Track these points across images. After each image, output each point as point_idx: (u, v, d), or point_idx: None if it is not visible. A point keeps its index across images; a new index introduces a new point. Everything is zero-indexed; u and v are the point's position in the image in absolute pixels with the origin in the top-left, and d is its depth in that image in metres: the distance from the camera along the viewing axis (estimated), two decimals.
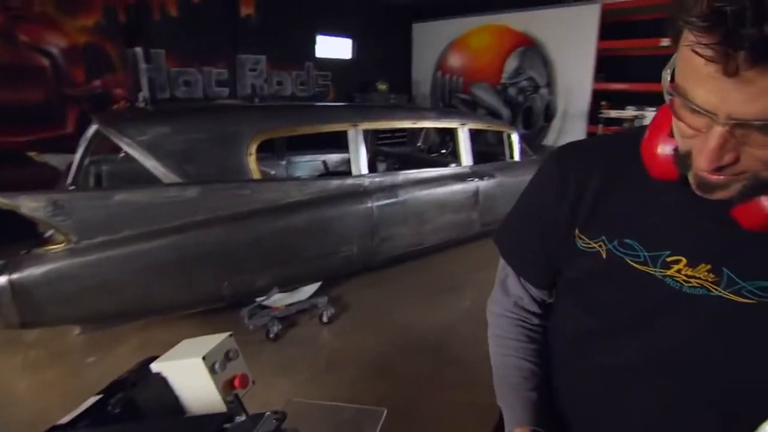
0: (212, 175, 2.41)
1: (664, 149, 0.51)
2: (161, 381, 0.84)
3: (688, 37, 0.40)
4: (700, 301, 0.54)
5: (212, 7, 5.22)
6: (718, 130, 0.41)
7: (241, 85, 5.60)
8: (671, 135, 0.50)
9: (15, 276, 1.93)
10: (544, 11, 5.61)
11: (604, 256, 0.61)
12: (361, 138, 3.07)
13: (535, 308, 0.76)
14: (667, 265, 0.56)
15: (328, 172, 4.38)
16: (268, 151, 3.90)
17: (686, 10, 0.40)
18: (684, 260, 0.54)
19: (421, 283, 3.48)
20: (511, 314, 0.77)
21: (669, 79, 0.45)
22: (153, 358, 0.83)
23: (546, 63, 5.79)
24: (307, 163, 4.41)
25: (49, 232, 2.30)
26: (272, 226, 2.60)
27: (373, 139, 4.83)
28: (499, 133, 4.37)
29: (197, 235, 2.34)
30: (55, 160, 3.29)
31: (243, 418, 0.60)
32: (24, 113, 4.04)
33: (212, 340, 0.84)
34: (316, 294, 2.98)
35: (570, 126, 5.70)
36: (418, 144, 5.37)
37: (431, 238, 3.51)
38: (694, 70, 0.40)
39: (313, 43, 6.30)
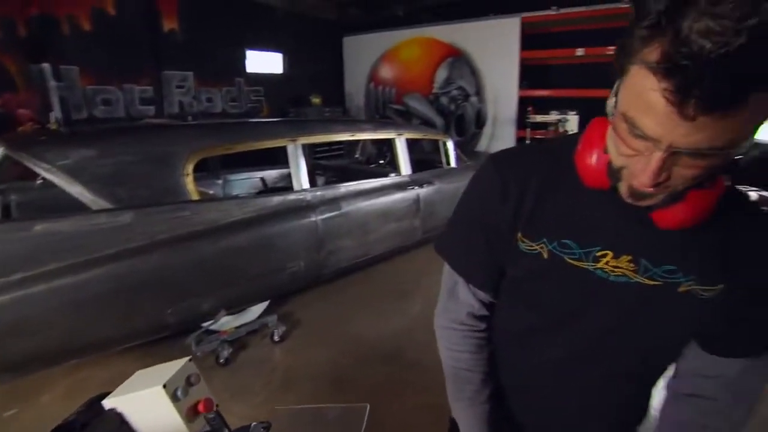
0: (147, 198, 2.28)
1: (598, 163, 0.58)
2: (117, 417, 0.78)
3: (642, 74, 0.45)
4: (622, 288, 0.64)
5: (131, 21, 4.94)
6: (659, 155, 0.47)
7: (168, 102, 5.34)
8: (605, 152, 0.57)
9: None
10: (468, 24, 5.96)
11: (546, 256, 0.67)
12: (300, 153, 3.05)
13: (484, 313, 0.79)
14: (597, 259, 0.65)
15: (268, 189, 4.29)
16: (202, 170, 3.75)
17: (637, 51, 0.45)
18: (610, 253, 0.64)
19: (370, 293, 3.50)
20: (461, 326, 0.79)
21: (614, 104, 0.51)
22: (104, 395, 0.78)
23: (474, 72, 6.13)
24: (245, 181, 4.29)
25: None
26: (215, 247, 2.50)
27: (310, 153, 4.81)
28: (435, 142, 4.55)
29: (134, 262, 2.19)
30: None
31: None
32: None
33: (171, 367, 0.80)
34: (265, 313, 2.90)
35: (500, 131, 6.07)
36: (356, 156, 5.42)
37: (377, 248, 3.55)
38: (647, 104, 0.45)
39: (243, 58, 6.18)
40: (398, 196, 3.65)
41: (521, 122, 5.74)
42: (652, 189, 0.51)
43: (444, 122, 6.65)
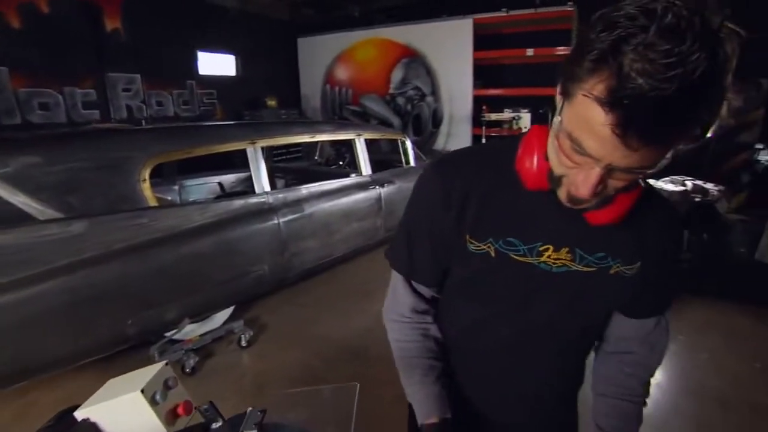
0: (101, 206, 2.18)
1: (539, 169, 0.65)
2: (91, 428, 0.77)
3: (588, 103, 0.49)
4: (563, 277, 0.73)
5: (67, 20, 4.66)
6: (598, 171, 0.54)
7: (115, 106, 5.09)
8: (545, 158, 0.64)
9: None
10: (422, 25, 6.08)
11: (493, 254, 0.73)
12: (260, 155, 3.02)
13: (427, 307, 0.86)
14: (540, 253, 0.72)
15: (227, 193, 4.20)
16: (157, 176, 3.62)
17: (583, 81, 0.50)
18: (551, 247, 0.72)
19: (335, 293, 3.52)
20: (406, 319, 0.85)
21: (558, 123, 0.56)
22: (74, 407, 0.76)
23: (429, 72, 6.26)
24: (202, 186, 4.18)
25: None
26: (175, 254, 2.43)
27: (268, 156, 4.75)
28: (393, 141, 4.62)
29: (89, 273, 2.09)
30: None
31: (220, 423, 0.60)
32: None
33: (147, 373, 0.79)
34: (230, 319, 2.85)
35: (456, 129, 6.23)
36: (315, 158, 5.41)
37: (340, 248, 3.57)
38: (592, 130, 0.50)
39: (194, 60, 5.99)
40: (360, 195, 3.68)
41: (476, 120, 5.93)
42: (573, 194, 0.60)
43: (401, 122, 6.75)
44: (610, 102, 0.47)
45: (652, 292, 0.77)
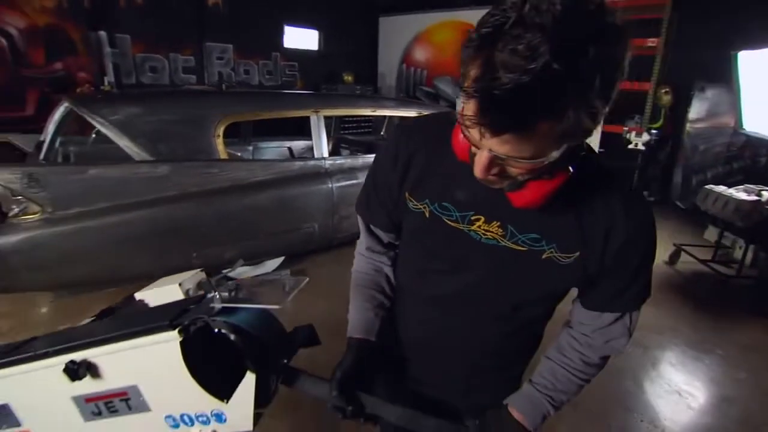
0: (182, 154, 2.60)
1: (463, 144, 0.64)
2: (142, 304, 1.08)
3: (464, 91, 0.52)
4: (492, 249, 0.75)
5: None
6: (486, 155, 0.57)
7: (209, 73, 5.70)
8: None
9: None
10: None
11: (427, 215, 0.78)
12: (322, 123, 3.30)
13: (383, 249, 0.93)
14: (471, 222, 0.75)
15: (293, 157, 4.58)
16: (235, 136, 4.07)
17: (467, 67, 0.52)
18: (483, 218, 0.74)
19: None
20: (366, 255, 0.95)
21: (461, 110, 0.56)
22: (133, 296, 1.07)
23: None
24: (273, 149, 4.59)
25: (14, 210, 2.41)
26: (238, 203, 2.81)
27: (337, 127, 5.04)
28: None
29: (168, 209, 2.52)
30: (19, 140, 3.35)
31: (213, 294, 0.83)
32: None
33: (187, 274, 1.08)
34: (279, 267, 3.20)
35: None
36: (381, 133, 5.62)
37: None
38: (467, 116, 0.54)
39: (281, 33, 6.44)
40: None
41: None
42: (486, 178, 0.61)
43: None
44: (471, 91, 0.50)
45: (607, 288, 0.76)
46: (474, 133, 0.55)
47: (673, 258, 3.84)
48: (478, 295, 0.82)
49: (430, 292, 0.87)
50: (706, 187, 3.52)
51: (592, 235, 0.71)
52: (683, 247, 3.78)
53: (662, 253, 4.05)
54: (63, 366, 0.75)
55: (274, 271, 3.14)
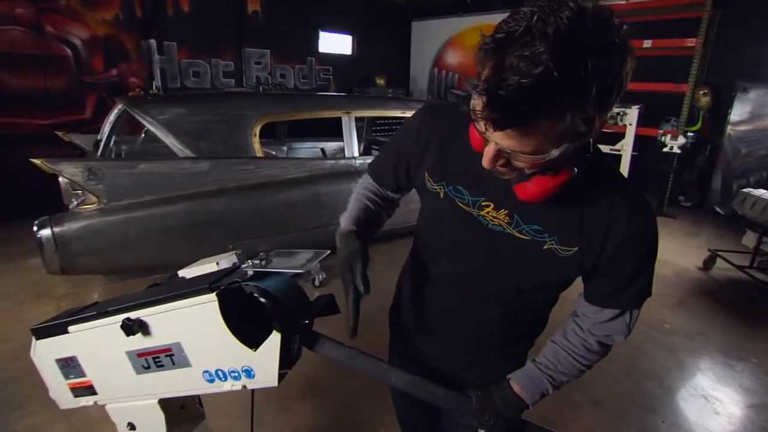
0: (221, 151, 2.79)
1: (480, 135, 0.67)
2: (183, 280, 1.21)
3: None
4: (498, 235, 0.80)
5: (221, 3, 5.59)
6: (492, 147, 0.63)
7: (247, 77, 5.97)
8: None
9: (57, 230, 2.31)
10: None
11: (442, 196, 0.84)
12: (353, 124, 3.43)
13: (382, 194, 1.03)
14: (481, 207, 0.80)
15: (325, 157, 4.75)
16: (270, 137, 4.28)
17: (482, 66, 0.57)
18: (492, 205, 0.79)
19: (404, 257, 3.82)
20: (366, 183, 1.05)
21: (473, 105, 0.60)
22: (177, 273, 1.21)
23: None
24: (307, 149, 4.78)
25: (73, 203, 2.67)
26: (272, 198, 2.98)
27: (368, 129, 5.18)
28: None
29: (207, 203, 2.71)
30: (79, 139, 3.67)
31: (246, 264, 0.96)
32: (48, 99, 4.43)
33: (223, 255, 1.21)
34: (310, 261, 3.34)
35: None
36: None
37: (415, 217, 3.85)
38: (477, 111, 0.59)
39: (316, 39, 6.66)
40: None
41: None
42: (494, 168, 0.67)
43: None
44: (481, 89, 0.55)
45: (607, 285, 0.79)
46: (482, 127, 0.60)
47: (708, 264, 3.73)
48: (483, 277, 0.86)
49: (438, 271, 0.94)
50: (744, 190, 3.40)
51: (592, 231, 0.75)
52: (719, 252, 3.66)
53: (697, 258, 3.94)
54: (120, 323, 0.89)
55: (304, 264, 3.29)
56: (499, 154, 0.63)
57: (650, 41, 4.87)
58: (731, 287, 3.53)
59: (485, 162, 0.65)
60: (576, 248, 0.76)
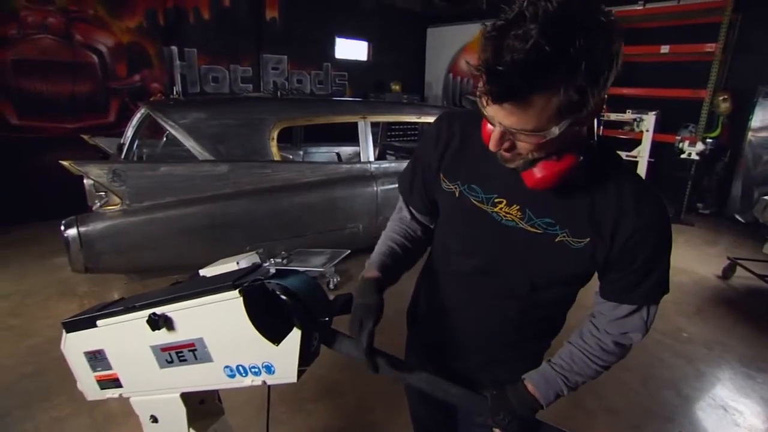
0: (239, 154, 2.85)
1: (489, 129, 0.71)
2: (203, 278, 1.25)
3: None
4: (511, 230, 0.82)
5: (240, 10, 5.72)
6: (498, 129, 0.67)
7: (265, 82, 6.08)
8: None
9: (82, 229, 2.39)
10: None
11: (457, 195, 0.87)
12: (369, 129, 3.47)
13: (415, 226, 1.03)
14: (495, 204, 0.83)
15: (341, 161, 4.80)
16: (287, 141, 4.35)
17: (482, 51, 0.61)
18: (504, 201, 0.82)
19: (421, 261, 3.83)
20: (398, 222, 1.04)
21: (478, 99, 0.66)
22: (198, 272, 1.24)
23: None
24: (323, 154, 4.83)
25: (97, 204, 2.75)
26: (289, 201, 3.03)
27: (384, 134, 5.22)
28: None
29: (225, 204, 2.77)
30: (104, 142, 3.79)
31: (268, 263, 0.99)
32: (75, 103, 4.59)
33: (243, 255, 1.24)
34: (329, 260, 3.37)
35: None
36: None
37: None
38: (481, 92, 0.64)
39: (332, 45, 6.75)
40: None
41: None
42: (502, 153, 0.71)
43: None
44: (480, 66, 0.60)
45: (620, 278, 0.80)
46: (484, 102, 0.64)
47: (727, 272, 3.66)
48: (498, 273, 0.88)
49: (453, 267, 0.96)
50: (765, 197, 3.34)
51: (602, 222, 0.76)
52: (739, 261, 3.59)
53: (716, 266, 3.86)
54: (146, 317, 0.92)
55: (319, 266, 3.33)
56: (503, 136, 0.67)
57: (668, 47, 4.82)
58: (752, 296, 3.45)
59: (492, 144, 0.69)
60: (587, 239, 0.77)
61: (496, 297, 0.92)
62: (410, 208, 1.03)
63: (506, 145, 0.69)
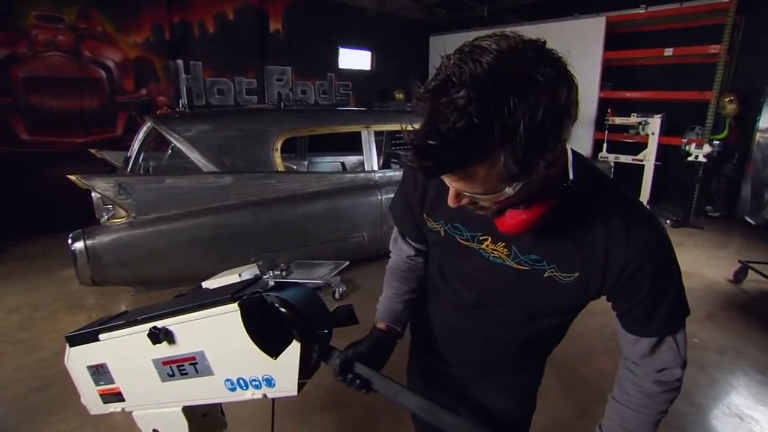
0: (243, 166, 2.87)
1: None
2: (206, 290, 1.25)
3: None
4: (499, 266, 0.81)
5: (244, 23, 5.79)
6: (452, 188, 0.64)
7: (269, 93, 6.14)
8: None
9: (89, 242, 2.41)
10: (549, 24, 5.92)
11: (443, 234, 0.87)
12: (372, 138, 3.48)
13: (414, 254, 1.03)
14: (480, 241, 0.82)
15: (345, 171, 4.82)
16: (292, 152, 4.38)
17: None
18: (489, 239, 0.80)
19: None
20: (398, 256, 1.05)
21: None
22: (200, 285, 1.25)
23: None
24: (327, 163, 4.86)
25: (104, 217, 2.77)
26: (293, 212, 3.03)
27: (387, 143, 5.24)
28: None
29: (230, 216, 2.79)
30: (111, 156, 3.84)
31: (268, 275, 0.99)
32: (83, 118, 4.66)
33: (245, 267, 1.24)
34: (330, 272, 3.37)
35: (578, 132, 5.92)
36: None
37: None
38: None
39: (336, 55, 6.80)
40: None
41: (600, 124, 5.60)
42: (466, 206, 0.67)
43: None
44: (410, 140, 0.55)
45: (630, 311, 0.76)
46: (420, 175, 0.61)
47: (738, 276, 3.59)
48: (493, 306, 0.89)
49: (451, 299, 0.96)
50: None
51: (591, 256, 0.73)
52: (750, 264, 3.53)
53: (726, 270, 3.80)
54: (147, 331, 0.93)
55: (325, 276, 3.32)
56: (459, 195, 0.64)
57: (671, 49, 4.80)
58: (765, 300, 3.39)
59: (450, 201, 0.66)
60: (576, 274, 0.75)
61: (498, 325, 0.92)
62: (407, 239, 1.03)
63: (465, 201, 0.65)
